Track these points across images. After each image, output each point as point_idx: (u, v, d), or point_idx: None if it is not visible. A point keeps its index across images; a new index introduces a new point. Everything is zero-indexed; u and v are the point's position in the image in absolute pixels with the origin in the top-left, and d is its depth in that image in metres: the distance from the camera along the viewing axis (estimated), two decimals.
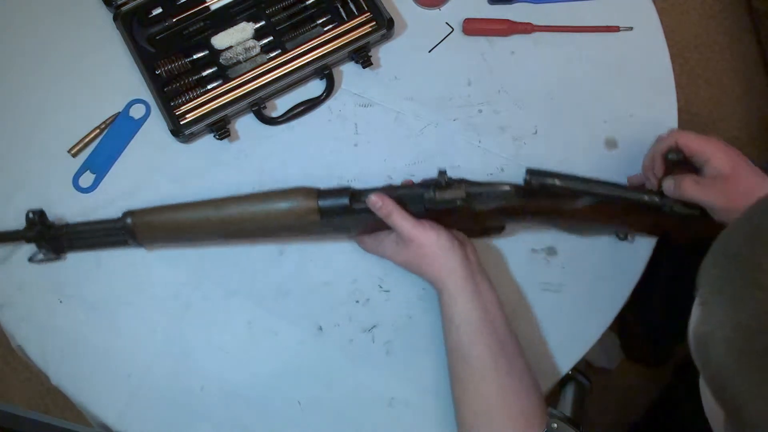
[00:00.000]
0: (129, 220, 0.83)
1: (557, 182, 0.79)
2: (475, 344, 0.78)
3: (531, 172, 0.79)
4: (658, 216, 0.83)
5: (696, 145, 0.80)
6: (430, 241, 0.80)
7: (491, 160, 0.95)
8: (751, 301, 0.46)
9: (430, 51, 0.99)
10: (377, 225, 0.82)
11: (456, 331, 0.79)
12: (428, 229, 0.80)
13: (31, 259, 0.87)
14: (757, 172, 0.78)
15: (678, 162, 0.80)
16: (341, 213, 0.81)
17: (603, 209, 0.83)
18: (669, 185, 0.80)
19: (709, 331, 0.49)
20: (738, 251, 0.49)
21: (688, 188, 0.78)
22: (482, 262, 0.85)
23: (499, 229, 0.88)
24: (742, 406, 0.47)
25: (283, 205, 0.81)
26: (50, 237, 0.85)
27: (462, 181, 0.81)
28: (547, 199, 0.82)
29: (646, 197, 0.82)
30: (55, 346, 0.86)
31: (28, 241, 0.85)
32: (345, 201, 0.80)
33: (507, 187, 0.82)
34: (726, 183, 0.77)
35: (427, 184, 0.81)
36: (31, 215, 0.84)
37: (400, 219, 0.80)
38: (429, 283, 0.84)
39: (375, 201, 0.80)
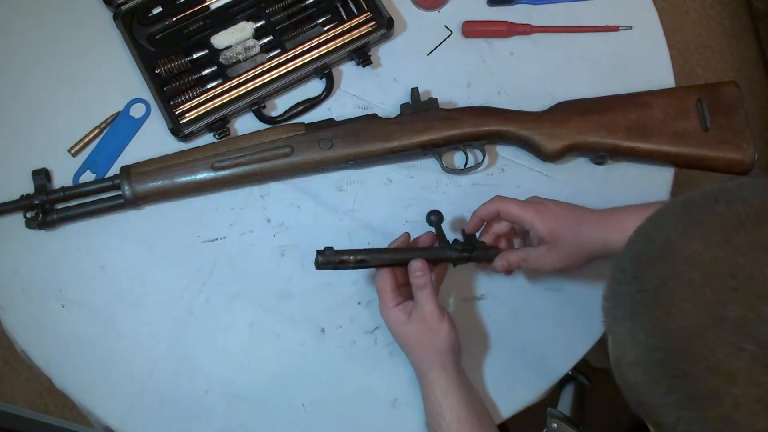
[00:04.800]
0: (122, 175, 0.88)
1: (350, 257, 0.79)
2: None
3: (319, 252, 0.78)
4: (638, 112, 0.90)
5: (517, 212, 0.81)
6: (442, 333, 0.79)
7: (492, 160, 0.95)
8: (642, 319, 0.48)
9: (428, 54, 0.99)
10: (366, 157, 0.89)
11: (447, 427, 0.78)
12: (446, 320, 0.80)
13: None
14: (573, 219, 0.80)
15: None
16: (325, 126, 0.89)
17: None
18: (503, 265, 0.82)
19: (620, 355, 0.51)
20: (624, 278, 0.51)
21: (531, 263, 0.81)
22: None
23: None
24: (659, 419, 0.49)
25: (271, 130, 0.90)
26: (50, 201, 0.87)
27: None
28: None
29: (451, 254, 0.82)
30: (58, 350, 0.86)
31: (32, 208, 0.86)
32: (329, 119, 0.91)
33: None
34: (553, 246, 0.80)
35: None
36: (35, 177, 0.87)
37: (429, 296, 0.79)
38: (414, 366, 0.82)
39: (417, 267, 0.79)
